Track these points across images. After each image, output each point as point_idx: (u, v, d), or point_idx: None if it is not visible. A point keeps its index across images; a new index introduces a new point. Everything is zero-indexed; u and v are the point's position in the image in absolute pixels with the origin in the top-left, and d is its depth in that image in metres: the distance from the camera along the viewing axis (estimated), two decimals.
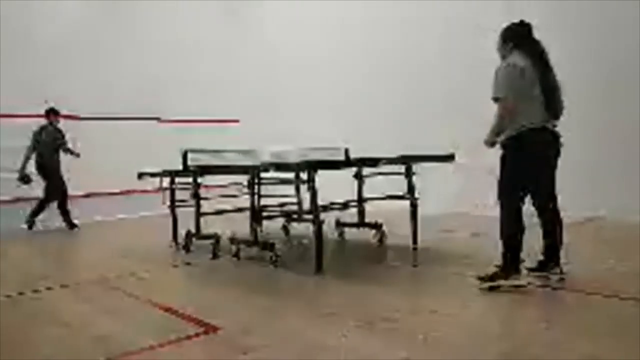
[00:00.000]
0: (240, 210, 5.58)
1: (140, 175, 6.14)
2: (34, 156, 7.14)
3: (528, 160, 3.23)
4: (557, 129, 3.33)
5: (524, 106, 3.18)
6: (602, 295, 3.07)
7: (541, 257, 3.40)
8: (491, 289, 3.20)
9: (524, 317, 2.82)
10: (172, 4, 10.12)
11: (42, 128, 7.24)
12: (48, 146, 7.15)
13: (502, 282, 3.19)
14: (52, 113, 7.27)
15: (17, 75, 8.01)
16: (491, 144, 3.33)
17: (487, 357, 2.30)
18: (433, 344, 2.45)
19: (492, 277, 3.24)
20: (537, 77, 3.21)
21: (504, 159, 3.31)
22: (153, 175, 5.89)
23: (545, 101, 3.22)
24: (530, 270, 3.37)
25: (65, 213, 7.14)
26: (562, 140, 3.33)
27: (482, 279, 3.27)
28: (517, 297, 3.12)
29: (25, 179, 7.03)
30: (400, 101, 8.09)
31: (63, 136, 7.30)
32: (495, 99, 3.21)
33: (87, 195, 8.52)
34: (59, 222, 7.12)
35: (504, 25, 3.41)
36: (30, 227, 7.02)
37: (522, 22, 3.37)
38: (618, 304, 2.95)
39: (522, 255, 3.24)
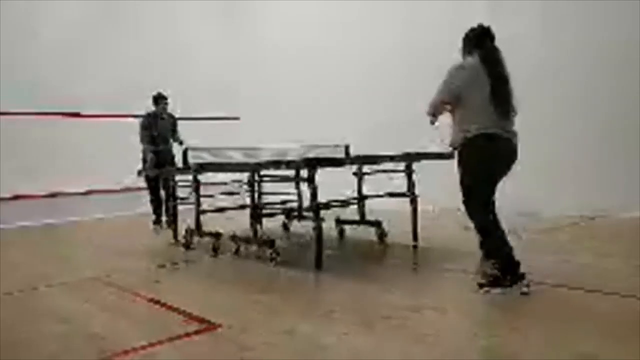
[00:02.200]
0: (240, 207, 5.58)
1: (140, 173, 6.14)
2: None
3: (483, 162, 3.18)
4: (511, 132, 3.21)
5: (471, 110, 3.15)
6: (601, 293, 3.07)
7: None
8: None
9: (525, 317, 2.81)
10: (173, 4, 10.10)
11: (155, 116, 6.79)
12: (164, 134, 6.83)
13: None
14: (160, 98, 6.81)
15: (17, 75, 7.99)
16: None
17: (488, 356, 2.29)
18: (433, 342, 2.44)
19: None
20: (488, 82, 3.12)
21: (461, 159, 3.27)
22: (156, 173, 5.89)
23: (496, 105, 3.12)
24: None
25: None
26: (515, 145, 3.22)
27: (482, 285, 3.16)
28: (519, 296, 3.11)
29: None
30: (401, 99, 8.06)
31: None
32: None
33: (87, 193, 8.51)
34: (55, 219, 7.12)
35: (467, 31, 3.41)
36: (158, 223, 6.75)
37: (478, 26, 3.34)
38: (619, 302, 2.94)
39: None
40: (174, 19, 10.11)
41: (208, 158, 5.12)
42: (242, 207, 5.60)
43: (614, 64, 5.89)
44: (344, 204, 4.96)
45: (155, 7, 9.81)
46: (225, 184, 6.59)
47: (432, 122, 3.40)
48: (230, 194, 6.13)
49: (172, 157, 6.78)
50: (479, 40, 3.27)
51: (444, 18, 7.50)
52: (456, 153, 3.30)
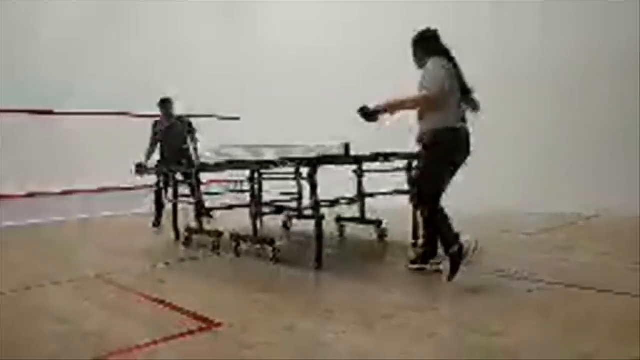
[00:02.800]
0: (241, 206, 5.59)
1: (138, 168, 6.12)
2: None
3: (450, 155, 3.48)
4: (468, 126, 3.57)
5: (449, 104, 3.44)
6: (596, 291, 3.08)
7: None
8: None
9: (526, 315, 2.82)
10: (173, 4, 10.09)
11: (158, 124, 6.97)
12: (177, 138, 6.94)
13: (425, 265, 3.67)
14: (167, 102, 6.98)
15: (16, 75, 7.99)
16: (375, 112, 3.61)
17: (487, 356, 2.30)
18: (433, 341, 2.45)
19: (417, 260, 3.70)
20: (457, 81, 3.50)
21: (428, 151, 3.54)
22: (154, 169, 5.89)
23: (464, 101, 3.55)
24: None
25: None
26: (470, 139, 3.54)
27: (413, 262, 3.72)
28: (520, 295, 3.12)
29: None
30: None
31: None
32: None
33: (88, 192, 8.51)
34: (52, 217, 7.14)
35: (415, 36, 3.76)
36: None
37: (428, 30, 3.71)
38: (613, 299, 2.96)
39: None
40: (174, 19, 10.10)
41: (212, 157, 5.15)
42: (243, 205, 5.60)
43: (614, 64, 5.89)
44: (344, 202, 4.97)
45: (155, 7, 9.80)
46: (227, 181, 6.61)
47: (375, 120, 3.65)
48: (231, 191, 6.15)
49: (186, 152, 6.79)
50: (437, 43, 3.64)
51: (443, 19, 7.49)
52: (421, 146, 3.58)
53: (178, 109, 7.28)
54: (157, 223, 6.74)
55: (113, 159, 8.24)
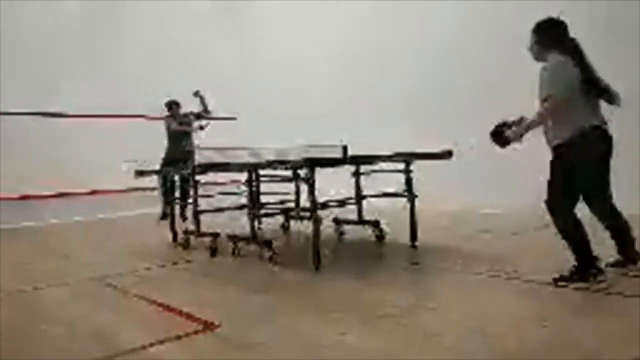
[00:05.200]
0: (239, 207, 5.58)
1: (137, 173, 6.12)
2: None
3: (591, 160, 3.11)
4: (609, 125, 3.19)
5: (579, 105, 3.08)
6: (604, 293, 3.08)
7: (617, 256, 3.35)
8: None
9: (526, 315, 2.82)
10: (173, 4, 10.09)
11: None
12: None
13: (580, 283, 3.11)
14: (174, 104, 7.75)
15: (15, 74, 7.98)
16: (511, 140, 3.22)
17: (487, 356, 2.30)
18: (432, 341, 2.45)
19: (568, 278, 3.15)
20: (583, 76, 3.11)
21: (559, 163, 3.17)
22: (154, 172, 5.89)
23: (596, 97, 3.15)
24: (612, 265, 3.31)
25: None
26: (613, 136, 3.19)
27: (557, 280, 3.17)
28: (521, 294, 3.12)
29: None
30: (401, 99, 8.08)
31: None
32: (544, 99, 3.08)
33: (90, 193, 8.51)
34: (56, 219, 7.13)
35: (538, 23, 3.27)
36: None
37: (556, 21, 3.25)
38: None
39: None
40: (174, 19, 10.10)
41: (214, 158, 5.17)
42: (241, 207, 5.60)
43: (615, 64, 5.87)
44: (342, 203, 4.97)
45: (155, 7, 9.80)
46: (224, 183, 6.60)
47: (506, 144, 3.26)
48: (229, 194, 6.14)
49: (187, 154, 7.31)
50: (564, 38, 3.19)
51: (443, 19, 7.52)
52: (555, 152, 3.18)
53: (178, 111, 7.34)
54: (164, 216, 6.85)
55: (111, 160, 8.25)
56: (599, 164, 3.15)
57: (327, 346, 2.46)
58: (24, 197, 7.86)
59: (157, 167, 7.05)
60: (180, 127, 7.56)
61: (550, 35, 3.22)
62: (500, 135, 3.29)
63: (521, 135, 3.22)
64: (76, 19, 8.94)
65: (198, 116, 7.78)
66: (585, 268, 3.12)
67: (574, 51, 3.15)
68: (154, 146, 7.86)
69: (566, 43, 3.18)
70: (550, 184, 3.17)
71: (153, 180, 6.69)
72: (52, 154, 8.08)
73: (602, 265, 3.18)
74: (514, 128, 3.24)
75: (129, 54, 9.33)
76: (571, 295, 3.07)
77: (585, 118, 3.10)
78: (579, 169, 3.10)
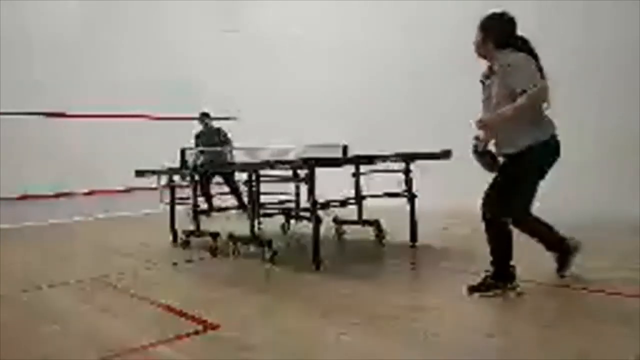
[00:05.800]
0: (239, 207, 5.58)
1: (141, 173, 6.12)
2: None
3: (541, 169, 3.05)
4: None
5: (542, 109, 2.96)
6: (605, 293, 3.08)
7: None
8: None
9: (525, 315, 2.82)
10: (173, 4, 10.10)
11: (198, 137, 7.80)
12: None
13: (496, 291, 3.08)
14: (206, 116, 7.89)
15: (15, 74, 7.98)
16: (484, 125, 3.07)
17: (487, 355, 2.30)
18: (433, 341, 2.45)
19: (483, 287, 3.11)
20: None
21: (512, 167, 3.08)
22: (153, 172, 5.88)
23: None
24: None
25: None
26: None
27: (473, 288, 3.13)
28: (517, 295, 3.12)
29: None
30: (400, 99, 8.08)
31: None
32: (524, 90, 2.86)
33: (90, 193, 8.51)
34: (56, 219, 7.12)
35: (490, 17, 3.12)
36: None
37: (510, 17, 3.10)
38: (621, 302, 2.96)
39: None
40: (174, 19, 10.11)
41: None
42: (241, 207, 5.60)
43: (616, 64, 5.88)
44: (342, 204, 4.97)
45: (154, 7, 9.81)
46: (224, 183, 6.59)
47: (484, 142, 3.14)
48: (229, 194, 6.14)
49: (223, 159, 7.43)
50: (514, 36, 3.08)
51: (442, 19, 7.51)
52: (509, 157, 3.08)
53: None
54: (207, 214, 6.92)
55: (111, 160, 8.26)
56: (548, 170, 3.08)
57: (327, 346, 2.46)
58: (24, 197, 7.86)
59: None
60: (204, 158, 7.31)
61: (507, 32, 3.08)
62: (483, 155, 3.20)
63: (491, 130, 3.08)
64: (76, 19, 8.94)
65: (224, 142, 7.77)
66: (503, 275, 3.11)
67: (530, 51, 3.01)
68: (154, 146, 7.88)
69: (518, 41, 3.06)
70: (514, 189, 3.04)
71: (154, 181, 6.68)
72: (52, 154, 8.08)
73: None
74: (490, 115, 3.05)
75: (129, 54, 9.33)
76: (571, 295, 3.08)
77: (551, 122, 3.05)
78: (543, 172, 3.06)
